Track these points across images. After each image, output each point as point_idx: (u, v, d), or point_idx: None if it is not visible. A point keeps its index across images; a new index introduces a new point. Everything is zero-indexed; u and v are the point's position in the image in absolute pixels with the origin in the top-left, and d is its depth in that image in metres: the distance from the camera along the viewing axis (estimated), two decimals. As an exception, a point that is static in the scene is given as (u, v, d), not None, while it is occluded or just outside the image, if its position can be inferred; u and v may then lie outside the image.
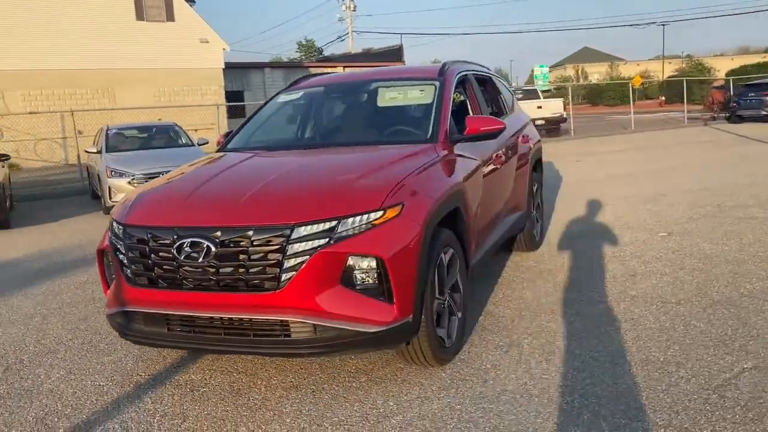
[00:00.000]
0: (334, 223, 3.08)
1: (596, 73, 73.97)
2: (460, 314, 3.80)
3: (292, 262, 3.03)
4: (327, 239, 3.06)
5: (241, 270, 3.09)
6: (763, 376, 3.24)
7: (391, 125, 4.57)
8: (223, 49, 27.55)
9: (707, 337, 3.81)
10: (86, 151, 11.76)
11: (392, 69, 6.01)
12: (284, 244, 3.04)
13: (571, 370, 3.47)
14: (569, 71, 78.23)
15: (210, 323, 3.21)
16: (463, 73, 4.94)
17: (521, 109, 6.50)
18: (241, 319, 3.15)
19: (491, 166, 4.68)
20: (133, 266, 3.34)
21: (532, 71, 54.62)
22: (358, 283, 3.12)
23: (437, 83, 4.53)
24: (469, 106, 5.00)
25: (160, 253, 3.23)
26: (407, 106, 4.67)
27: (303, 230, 3.06)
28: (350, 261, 3.08)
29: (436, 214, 3.43)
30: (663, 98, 48.30)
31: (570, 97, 24.45)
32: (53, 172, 19.26)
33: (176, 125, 12.56)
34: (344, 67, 35.91)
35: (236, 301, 3.12)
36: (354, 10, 49.94)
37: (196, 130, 18.71)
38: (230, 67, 29.46)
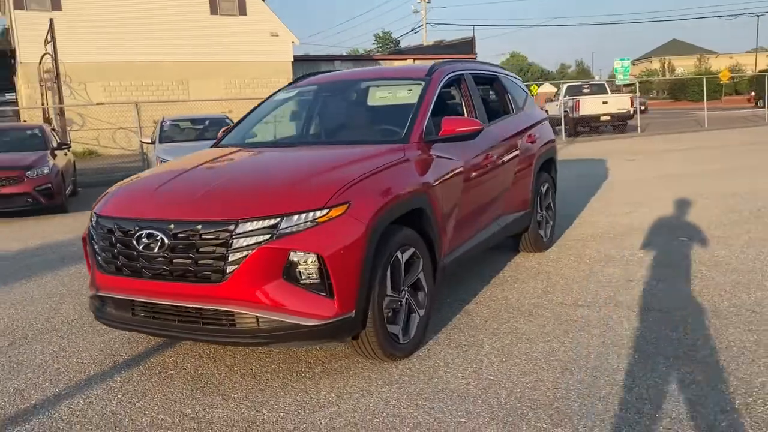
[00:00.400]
0: (277, 219, 3.23)
1: (683, 67, 70.76)
2: (422, 312, 3.87)
3: (237, 255, 3.20)
4: (270, 235, 3.21)
5: (191, 261, 3.28)
6: (710, 390, 3.16)
7: (372, 125, 4.66)
8: (293, 42, 28.25)
9: (673, 347, 3.72)
10: (141, 141, 12.40)
11: (385, 68, 6.09)
12: (229, 238, 3.22)
13: (518, 373, 3.48)
14: (655, 65, 75.19)
15: (167, 310, 3.43)
16: (457, 73, 4.96)
17: (534, 107, 6.42)
18: (193, 308, 3.34)
19: (477, 166, 4.69)
20: (103, 254, 3.60)
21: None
22: (302, 278, 3.26)
23: (423, 83, 4.58)
24: (463, 106, 5.02)
25: (124, 243, 3.47)
26: (391, 105, 4.75)
27: (247, 226, 3.22)
28: (292, 257, 3.22)
29: (387, 214, 3.51)
30: (753, 93, 45.73)
31: (637, 91, 23.53)
32: (127, 160, 20.27)
33: (227, 117, 13.03)
34: (414, 59, 35.95)
35: (188, 290, 3.32)
36: (429, 2, 49.94)
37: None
38: (300, 60, 30.12)
